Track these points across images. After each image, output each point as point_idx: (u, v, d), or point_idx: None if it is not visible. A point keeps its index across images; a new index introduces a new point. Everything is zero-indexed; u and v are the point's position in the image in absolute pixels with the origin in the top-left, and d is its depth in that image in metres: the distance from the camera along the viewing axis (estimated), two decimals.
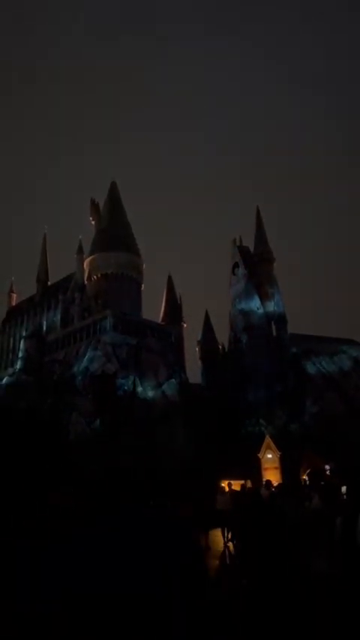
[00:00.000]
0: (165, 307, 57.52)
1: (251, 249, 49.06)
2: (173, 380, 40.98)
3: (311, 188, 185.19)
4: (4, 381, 48.38)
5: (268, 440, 30.85)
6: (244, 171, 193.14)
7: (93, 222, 59.10)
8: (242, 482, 16.45)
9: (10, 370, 51.56)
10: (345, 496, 6.97)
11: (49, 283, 62.12)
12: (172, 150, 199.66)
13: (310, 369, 42.09)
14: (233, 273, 48.49)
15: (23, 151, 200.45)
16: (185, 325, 57.14)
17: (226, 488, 13.89)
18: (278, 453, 29.84)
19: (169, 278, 60.33)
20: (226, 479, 18.65)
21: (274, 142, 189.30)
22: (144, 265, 57.20)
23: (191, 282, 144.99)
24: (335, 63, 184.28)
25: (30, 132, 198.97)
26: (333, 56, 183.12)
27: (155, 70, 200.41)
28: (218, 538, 11.05)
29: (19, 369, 48.56)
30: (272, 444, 30.35)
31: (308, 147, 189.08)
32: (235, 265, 48.25)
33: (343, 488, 7.52)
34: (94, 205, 59.81)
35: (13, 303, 65.92)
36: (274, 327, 44.82)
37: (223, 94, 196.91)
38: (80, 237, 58.92)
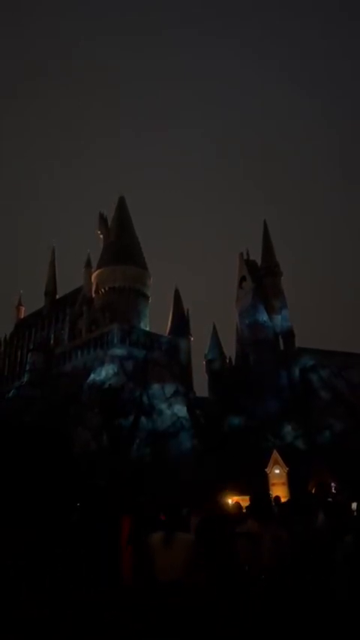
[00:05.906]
0: (172, 320, 57.45)
1: (258, 262, 49.18)
2: (181, 396, 40.86)
3: (315, 197, 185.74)
4: (11, 393, 48.41)
5: (275, 455, 30.49)
6: (249, 177, 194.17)
7: (101, 236, 59.54)
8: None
9: (17, 383, 51.62)
10: (356, 513, 6.84)
11: (57, 297, 62.42)
12: (174, 159, 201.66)
13: (318, 383, 41.77)
14: (240, 286, 48.56)
15: (32, 164, 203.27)
16: (192, 338, 57.03)
17: (232, 502, 13.65)
18: (286, 468, 29.47)
19: (176, 291, 60.35)
20: (232, 494, 18.41)
21: (281, 146, 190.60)
22: (151, 278, 57.39)
23: (198, 295, 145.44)
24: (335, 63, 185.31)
25: (37, 145, 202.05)
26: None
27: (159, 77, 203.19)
28: None
29: (26, 382, 48.59)
30: (280, 459, 29.99)
31: (313, 149, 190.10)
32: (243, 279, 48.33)
33: (354, 505, 7.38)
34: (103, 219, 60.32)
35: (21, 317, 66.27)
36: (281, 340, 44.70)
37: (225, 98, 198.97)
38: (89, 250, 59.53)
